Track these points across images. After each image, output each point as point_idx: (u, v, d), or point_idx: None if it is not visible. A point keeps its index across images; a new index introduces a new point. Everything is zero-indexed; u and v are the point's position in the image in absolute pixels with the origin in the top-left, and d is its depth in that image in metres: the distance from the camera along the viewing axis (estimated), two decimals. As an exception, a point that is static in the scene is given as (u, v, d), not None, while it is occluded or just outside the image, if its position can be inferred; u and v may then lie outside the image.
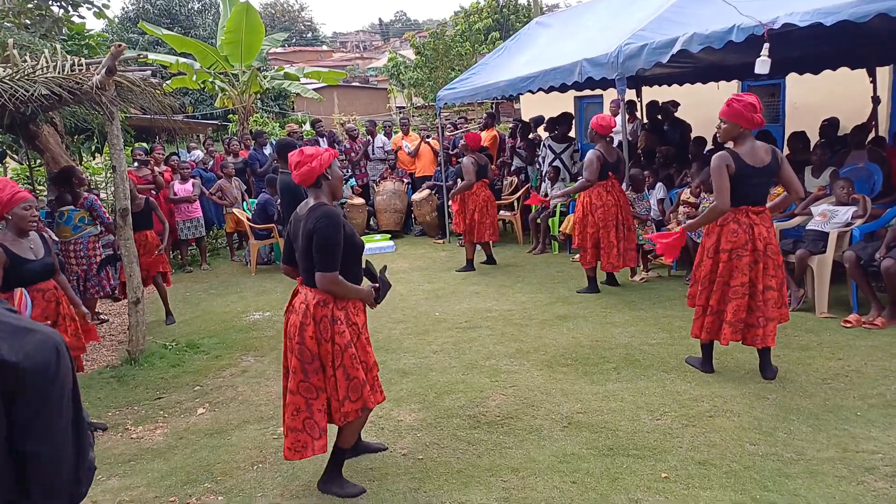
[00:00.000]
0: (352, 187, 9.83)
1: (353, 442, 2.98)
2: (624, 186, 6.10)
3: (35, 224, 3.51)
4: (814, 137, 6.94)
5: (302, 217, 2.80)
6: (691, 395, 3.64)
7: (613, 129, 5.89)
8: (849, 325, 4.51)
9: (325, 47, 51.22)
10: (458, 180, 7.35)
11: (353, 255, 2.80)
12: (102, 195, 9.99)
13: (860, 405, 3.36)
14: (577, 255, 6.20)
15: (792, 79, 8.46)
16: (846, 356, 4.02)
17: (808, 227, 5.06)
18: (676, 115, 8.47)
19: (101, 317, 6.39)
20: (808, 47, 6.33)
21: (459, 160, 8.21)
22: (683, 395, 3.63)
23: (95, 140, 9.05)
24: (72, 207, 5.87)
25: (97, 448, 3.53)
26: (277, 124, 20.39)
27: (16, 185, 3.52)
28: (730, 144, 3.74)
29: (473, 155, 6.99)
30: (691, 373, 3.94)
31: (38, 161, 8.30)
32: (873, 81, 7.15)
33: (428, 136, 10.13)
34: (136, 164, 7.91)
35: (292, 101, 25.68)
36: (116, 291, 6.27)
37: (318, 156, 2.76)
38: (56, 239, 5.67)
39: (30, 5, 7.78)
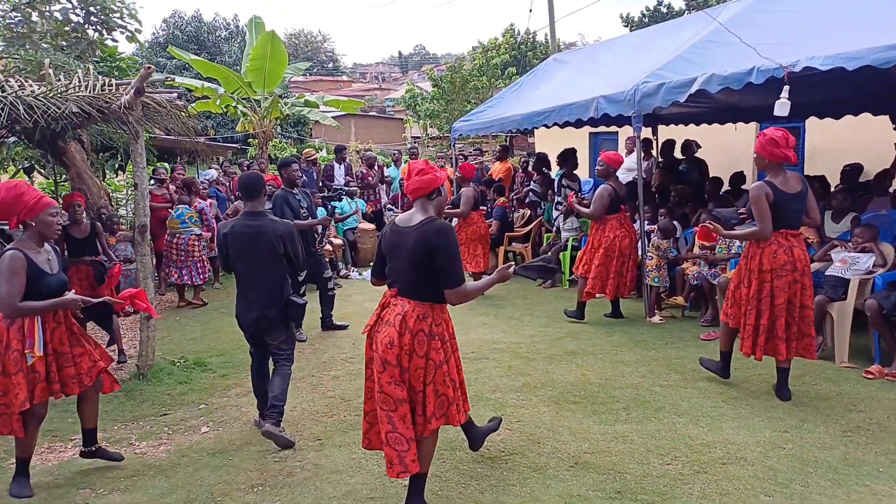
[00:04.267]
0: (363, 213, 9.91)
1: (428, 465, 2.88)
2: (643, 221, 6.15)
3: (59, 232, 3.33)
4: (833, 182, 6.90)
5: (408, 229, 2.76)
6: (703, 440, 3.54)
7: (629, 168, 5.93)
8: (871, 376, 4.38)
9: (345, 77, 52.26)
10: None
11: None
12: (122, 212, 10.15)
13: (882, 461, 3.24)
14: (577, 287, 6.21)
15: (812, 122, 8.45)
16: (868, 409, 3.89)
17: (827, 273, 4.97)
18: (696, 154, 8.47)
19: (200, 301, 7.45)
20: (829, 91, 6.32)
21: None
22: (695, 440, 3.53)
23: (119, 158, 9.24)
24: (186, 207, 7.32)
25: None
26: (295, 149, 20.71)
27: (37, 189, 3.38)
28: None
29: (472, 185, 7.11)
30: (704, 417, 3.84)
31: (64, 176, 8.47)
32: (896, 128, 7.10)
33: (442, 166, 10.24)
34: (152, 181, 8.04)
35: (311, 128, 26.12)
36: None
37: (436, 169, 2.83)
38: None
39: (67, 28, 8.04)
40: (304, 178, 9.57)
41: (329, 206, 5.85)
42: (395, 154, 12.24)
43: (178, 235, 7.25)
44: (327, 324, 6.16)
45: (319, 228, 6.14)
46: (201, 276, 7.37)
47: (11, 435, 3.14)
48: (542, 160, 9.37)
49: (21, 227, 3.18)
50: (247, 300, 3.78)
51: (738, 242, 5.62)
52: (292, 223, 4.00)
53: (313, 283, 6.04)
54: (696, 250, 6.04)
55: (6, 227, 6.88)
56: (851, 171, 6.89)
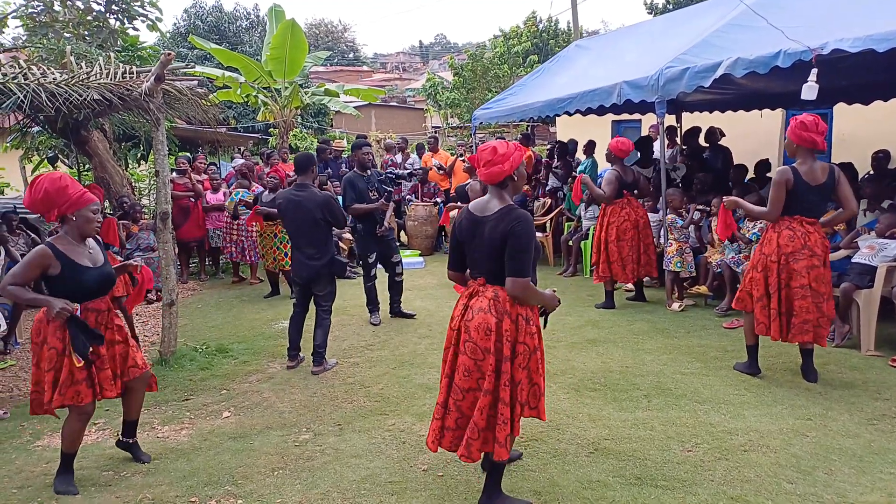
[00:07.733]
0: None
1: (507, 456, 2.68)
2: (665, 209, 6.07)
3: (98, 230, 3.20)
4: (862, 169, 6.72)
5: (486, 218, 2.65)
6: (725, 427, 3.49)
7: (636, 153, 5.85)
8: (897, 364, 4.30)
9: (365, 67, 52.10)
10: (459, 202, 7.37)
11: (535, 259, 2.71)
12: (144, 201, 10.29)
13: (908, 449, 3.18)
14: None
15: (840, 109, 8.23)
16: (894, 397, 3.82)
17: (853, 260, 4.86)
18: (720, 142, 8.31)
19: (257, 279, 8.02)
20: (858, 76, 6.16)
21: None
22: (717, 428, 3.49)
23: (141, 148, 9.38)
24: (245, 191, 7.81)
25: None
26: (316, 139, 20.78)
27: (80, 184, 3.22)
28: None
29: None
30: (726, 405, 3.79)
31: (87, 165, 8.61)
32: (927, 114, 6.90)
33: (461, 156, 10.17)
34: (174, 173, 8.14)
35: (331, 118, 26.16)
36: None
37: (510, 156, 2.65)
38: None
39: (88, 17, 8.15)
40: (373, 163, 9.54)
41: (386, 192, 5.80)
42: (430, 142, 11.97)
43: (238, 217, 7.72)
44: (395, 310, 6.11)
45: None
46: (259, 255, 7.66)
47: (46, 414, 3.10)
48: (565, 147, 9.28)
49: (59, 221, 3.05)
50: (296, 255, 4.69)
51: (756, 228, 5.54)
52: (330, 193, 4.78)
53: (384, 265, 5.96)
54: (716, 239, 5.95)
55: (29, 216, 7.01)
56: (882, 158, 6.71)
